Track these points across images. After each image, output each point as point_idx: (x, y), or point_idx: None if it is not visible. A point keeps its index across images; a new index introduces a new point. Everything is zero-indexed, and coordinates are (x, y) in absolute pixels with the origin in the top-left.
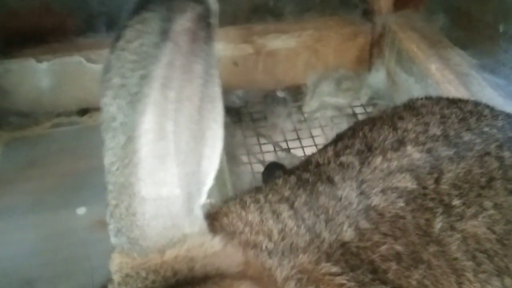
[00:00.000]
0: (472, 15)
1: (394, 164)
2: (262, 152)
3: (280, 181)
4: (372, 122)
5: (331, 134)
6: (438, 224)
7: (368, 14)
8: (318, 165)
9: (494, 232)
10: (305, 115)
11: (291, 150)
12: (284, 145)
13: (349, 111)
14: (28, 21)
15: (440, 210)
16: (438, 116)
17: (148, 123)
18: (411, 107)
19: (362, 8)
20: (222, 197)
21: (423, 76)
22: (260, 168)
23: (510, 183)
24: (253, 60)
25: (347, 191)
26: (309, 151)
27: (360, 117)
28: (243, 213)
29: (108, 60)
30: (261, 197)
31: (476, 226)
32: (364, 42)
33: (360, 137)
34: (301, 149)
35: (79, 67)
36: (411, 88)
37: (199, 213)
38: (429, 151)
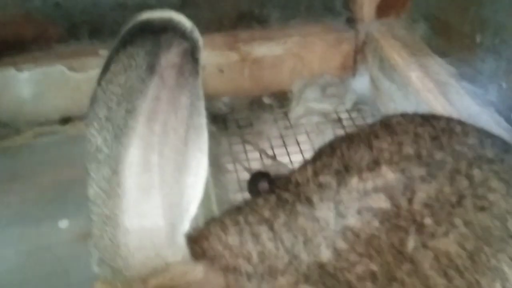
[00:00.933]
0: (451, 25)
1: (370, 184)
2: (248, 159)
3: (260, 201)
4: (350, 139)
5: (317, 141)
6: (411, 243)
7: (351, 21)
8: (297, 184)
9: (464, 249)
10: (291, 121)
11: (277, 157)
12: (270, 152)
13: (334, 116)
14: (8, 29)
15: (413, 229)
16: (412, 135)
17: (133, 156)
18: (387, 124)
19: (345, 15)
20: (206, 208)
21: (404, 84)
22: (246, 175)
23: (479, 200)
24: (239, 67)
25: (325, 211)
26: (295, 157)
27: (345, 123)
28: (223, 236)
29: (94, 92)
30: (241, 218)
31: (447, 244)
32: (348, 49)
33: (338, 155)
34: (287, 156)
35: (61, 76)
36: (394, 95)
37: (182, 242)
38: (402, 171)
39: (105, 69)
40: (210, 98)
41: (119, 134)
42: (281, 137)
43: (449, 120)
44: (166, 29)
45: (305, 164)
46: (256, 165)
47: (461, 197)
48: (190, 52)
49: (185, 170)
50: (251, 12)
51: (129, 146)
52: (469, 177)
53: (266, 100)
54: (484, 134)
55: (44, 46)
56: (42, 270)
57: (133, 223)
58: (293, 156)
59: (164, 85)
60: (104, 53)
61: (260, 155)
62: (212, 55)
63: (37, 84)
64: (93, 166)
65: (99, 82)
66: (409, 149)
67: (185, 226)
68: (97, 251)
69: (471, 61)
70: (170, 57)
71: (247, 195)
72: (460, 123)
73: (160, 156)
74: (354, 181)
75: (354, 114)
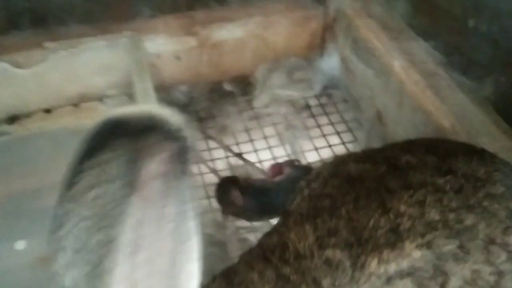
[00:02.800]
0: (437, 4)
1: (393, 268)
2: (212, 159)
3: (255, 276)
4: (355, 192)
5: (286, 135)
6: None
7: None
8: (298, 255)
9: None
10: (256, 110)
11: (244, 155)
12: (235, 149)
13: (302, 103)
14: None
15: None
16: (431, 189)
17: None
18: (395, 167)
19: None
20: None
21: (384, 72)
22: (212, 178)
23: None
24: (197, 53)
25: None
26: (263, 154)
27: (314, 110)
28: None
29: (56, 213)
30: None
31: None
32: (316, 27)
33: (344, 217)
34: (254, 153)
35: (5, 72)
36: (370, 82)
37: None
38: (429, 246)
39: (69, 182)
40: (166, 88)
41: (94, 274)
42: (247, 130)
43: (467, 158)
44: (146, 130)
45: (301, 219)
46: (221, 165)
47: (500, 276)
48: (179, 156)
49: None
50: None
51: None
52: (505, 247)
53: (227, 86)
54: (508, 175)
55: None
56: None
57: None
58: (261, 153)
59: (147, 203)
60: (50, 45)
61: (225, 154)
62: (167, 42)
63: None
64: None
65: (61, 199)
66: (433, 213)
67: None
68: None
69: (462, 48)
70: (154, 167)
71: (215, 203)
72: (480, 160)
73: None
74: (373, 264)
75: (323, 100)
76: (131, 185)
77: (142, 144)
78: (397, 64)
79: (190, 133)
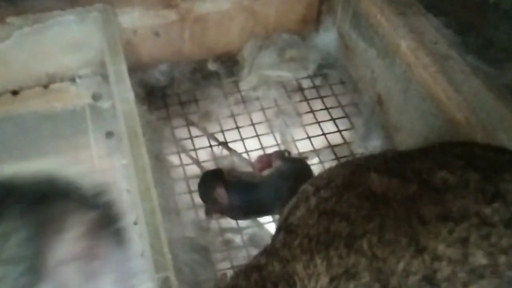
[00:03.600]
0: None
1: None
2: (195, 148)
3: None
4: (377, 214)
5: (276, 122)
6: None
7: None
8: None
9: None
10: (243, 93)
11: (230, 144)
12: (220, 137)
13: (295, 84)
14: None
15: None
16: (476, 221)
17: None
18: (429, 186)
19: None
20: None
21: (388, 52)
22: (194, 170)
23: None
24: (178, 28)
25: None
26: (251, 144)
27: (308, 93)
28: None
29: None
30: None
31: None
32: None
33: (366, 253)
34: (241, 142)
35: None
36: (372, 62)
37: None
38: None
39: None
40: (144, 67)
41: None
42: (233, 116)
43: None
44: (48, 199)
45: (310, 245)
46: (205, 155)
47: None
48: (101, 226)
49: None
50: None
51: None
52: None
53: (212, 66)
54: None
55: None
56: None
57: None
58: (248, 142)
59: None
60: (13, 21)
61: (209, 143)
62: (145, 15)
63: None
64: None
65: None
66: (479, 255)
67: None
68: None
69: (480, 27)
70: (64, 247)
71: (198, 198)
72: None
73: None
74: None
75: (318, 81)
76: (37, 271)
77: (46, 216)
78: (404, 45)
79: (109, 199)
